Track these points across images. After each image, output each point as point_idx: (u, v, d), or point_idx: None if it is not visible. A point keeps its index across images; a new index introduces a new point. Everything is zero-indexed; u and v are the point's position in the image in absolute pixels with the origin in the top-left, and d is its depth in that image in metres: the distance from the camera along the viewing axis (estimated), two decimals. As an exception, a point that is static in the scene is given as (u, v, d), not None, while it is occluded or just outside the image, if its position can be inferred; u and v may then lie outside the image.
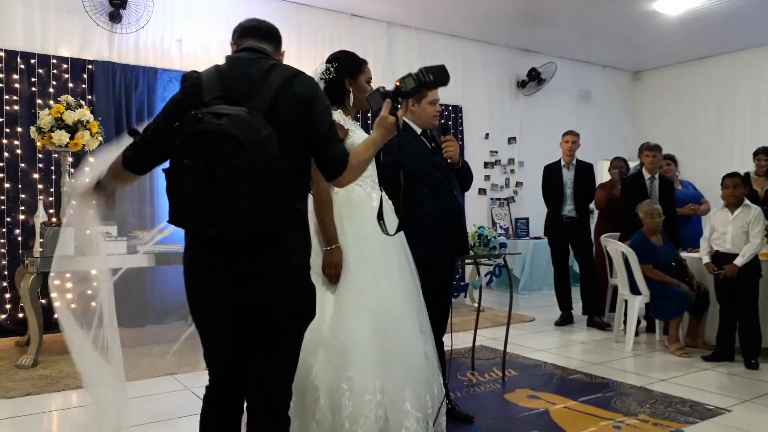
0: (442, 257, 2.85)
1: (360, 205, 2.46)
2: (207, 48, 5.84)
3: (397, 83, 1.88)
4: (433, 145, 2.96)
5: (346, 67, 2.49)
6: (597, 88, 9.17)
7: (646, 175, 5.22)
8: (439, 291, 2.86)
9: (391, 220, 2.57)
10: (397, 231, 2.09)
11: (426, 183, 2.85)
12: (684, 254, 4.77)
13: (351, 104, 2.51)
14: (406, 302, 2.45)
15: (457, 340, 4.91)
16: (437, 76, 1.88)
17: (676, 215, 5.23)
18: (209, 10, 5.86)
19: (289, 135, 1.65)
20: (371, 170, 2.50)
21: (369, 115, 6.51)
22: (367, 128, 2.73)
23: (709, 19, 7.01)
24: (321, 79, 2.48)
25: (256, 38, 1.81)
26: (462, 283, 6.94)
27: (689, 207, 5.57)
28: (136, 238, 4.51)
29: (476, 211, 7.76)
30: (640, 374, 3.94)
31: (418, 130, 2.93)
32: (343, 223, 2.39)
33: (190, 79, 1.74)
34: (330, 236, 2.32)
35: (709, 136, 8.54)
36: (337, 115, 2.36)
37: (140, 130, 1.78)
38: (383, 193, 2.62)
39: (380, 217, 1.97)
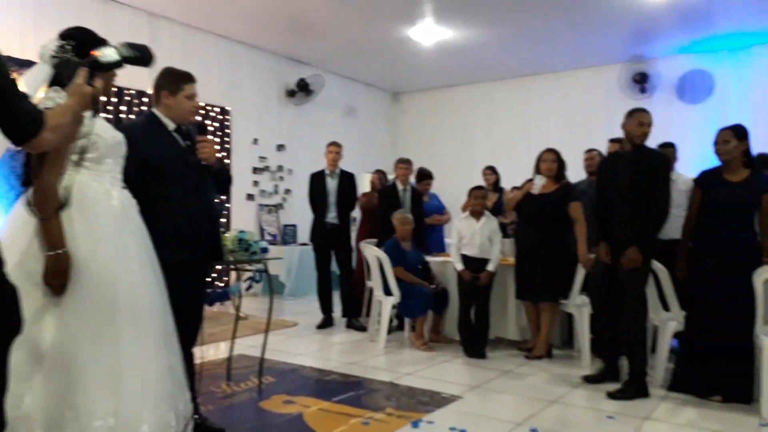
0: (192, 262, 2.69)
1: (96, 203, 2.18)
2: None
3: (94, 53, 1.78)
4: (188, 143, 2.80)
5: (85, 46, 2.19)
6: (361, 105, 9.74)
7: (400, 186, 5.66)
8: (189, 299, 2.70)
9: (135, 220, 2.35)
10: None
11: (177, 182, 2.68)
12: (429, 258, 5.27)
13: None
14: (149, 313, 2.24)
15: (217, 350, 4.74)
16: (141, 53, 1.79)
17: (424, 223, 5.76)
18: None
19: None
20: (111, 164, 2.25)
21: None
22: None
23: (455, 52, 7.95)
24: (53, 57, 2.14)
25: None
26: (218, 291, 6.75)
27: (435, 217, 6.20)
28: None
29: (244, 217, 7.63)
30: (390, 370, 4.22)
31: (171, 126, 2.74)
32: (73, 223, 2.08)
33: None
34: (54, 239, 1.99)
35: (454, 155, 9.67)
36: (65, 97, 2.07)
37: None
38: (127, 191, 2.40)
39: None
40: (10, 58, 5.11)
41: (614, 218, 3.73)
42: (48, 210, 1.98)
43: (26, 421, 1.92)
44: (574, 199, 4.44)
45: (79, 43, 2.16)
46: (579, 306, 4.40)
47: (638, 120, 3.69)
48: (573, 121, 8.70)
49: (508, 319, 4.87)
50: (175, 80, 2.74)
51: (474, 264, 4.67)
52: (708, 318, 3.54)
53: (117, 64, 1.73)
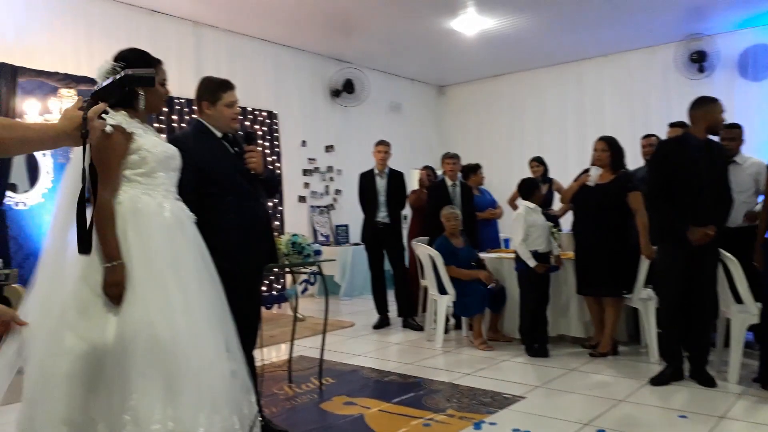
0: (249, 268, 2.72)
1: (148, 216, 2.23)
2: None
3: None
4: (236, 150, 2.83)
5: (136, 66, 2.24)
6: (406, 101, 9.67)
7: (449, 182, 5.58)
8: (247, 304, 2.73)
9: (190, 230, 2.38)
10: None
11: (231, 190, 2.71)
12: (483, 255, 5.17)
13: (141, 107, 2.27)
14: (206, 319, 2.27)
15: (278, 352, 4.80)
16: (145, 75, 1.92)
17: (476, 219, 5.66)
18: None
19: None
20: (163, 178, 2.28)
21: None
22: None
23: (500, 41, 7.77)
24: (106, 77, 2.20)
25: None
26: (274, 293, 6.84)
27: (489, 211, 6.07)
28: None
29: (296, 219, 7.71)
30: (449, 370, 4.16)
31: (219, 134, 2.78)
32: (127, 236, 2.14)
33: None
34: (111, 251, 2.06)
35: (503, 147, 9.46)
36: (120, 117, 2.12)
37: None
38: (181, 203, 2.43)
39: None
40: (66, 75, 5.33)
41: (695, 206, 3.55)
42: (108, 225, 2.04)
43: (91, 425, 1.98)
44: (633, 189, 4.25)
45: (128, 63, 2.22)
46: (644, 300, 4.22)
47: (721, 108, 3.62)
48: (628, 107, 8.36)
49: (570, 315, 4.72)
50: (213, 90, 2.77)
51: (544, 259, 4.45)
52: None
53: (121, 85, 1.79)
